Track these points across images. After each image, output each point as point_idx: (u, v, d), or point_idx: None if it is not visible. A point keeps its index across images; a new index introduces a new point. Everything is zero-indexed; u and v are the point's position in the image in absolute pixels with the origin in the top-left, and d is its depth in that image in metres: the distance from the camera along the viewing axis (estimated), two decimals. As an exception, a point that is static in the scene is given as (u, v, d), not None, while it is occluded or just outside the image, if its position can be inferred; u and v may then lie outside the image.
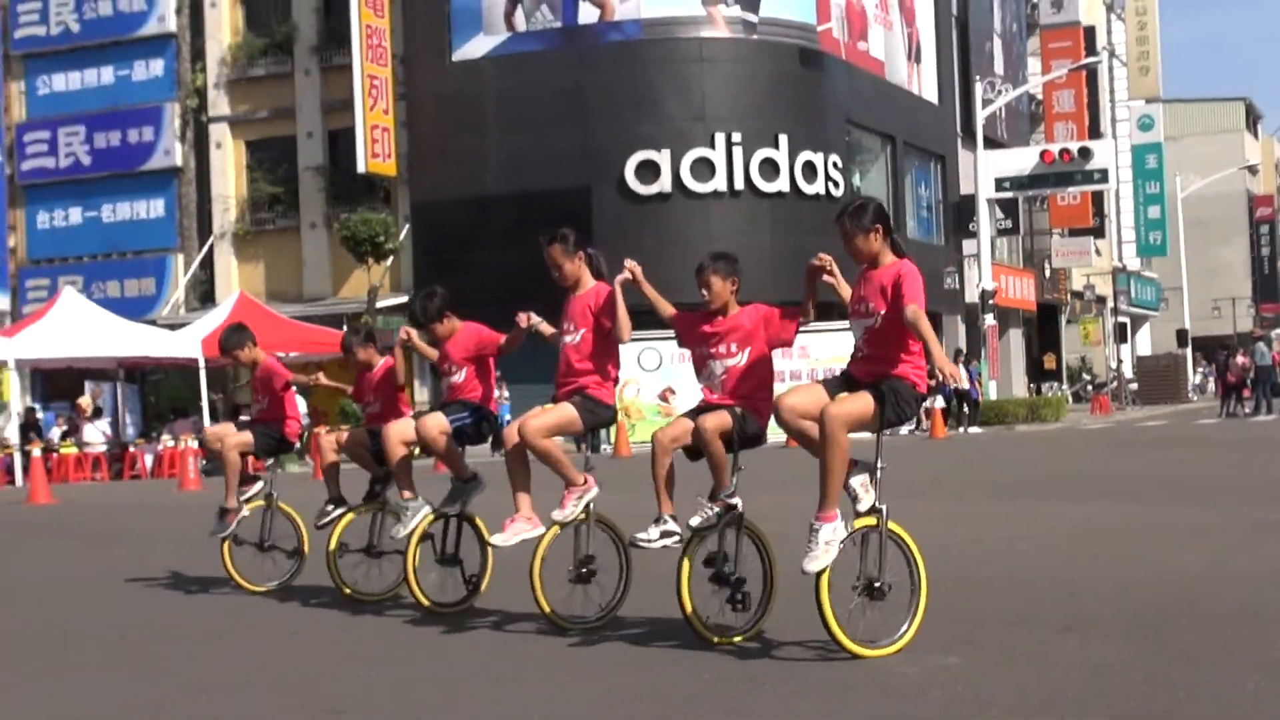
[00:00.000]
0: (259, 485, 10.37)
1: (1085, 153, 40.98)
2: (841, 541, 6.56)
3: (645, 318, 8.44)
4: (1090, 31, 55.59)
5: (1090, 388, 53.89)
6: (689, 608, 7.12)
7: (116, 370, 34.65)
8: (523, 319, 8.30)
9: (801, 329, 7.61)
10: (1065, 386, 52.93)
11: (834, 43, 37.62)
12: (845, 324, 25.17)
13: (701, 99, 34.96)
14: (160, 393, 34.34)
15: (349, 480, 9.73)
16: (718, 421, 7.11)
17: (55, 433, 32.83)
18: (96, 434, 32.01)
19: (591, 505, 7.90)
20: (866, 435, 6.81)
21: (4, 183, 40.11)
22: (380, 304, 34.71)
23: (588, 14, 35.34)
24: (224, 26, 39.60)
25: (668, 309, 7.82)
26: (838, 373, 6.94)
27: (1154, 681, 6.06)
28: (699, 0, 35.13)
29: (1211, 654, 6.61)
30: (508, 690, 6.62)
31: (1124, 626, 7.35)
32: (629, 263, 7.77)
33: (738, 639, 7.16)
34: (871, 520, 6.75)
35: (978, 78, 43.61)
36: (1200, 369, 63.30)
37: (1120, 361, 54.01)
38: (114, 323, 31.77)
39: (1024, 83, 50.51)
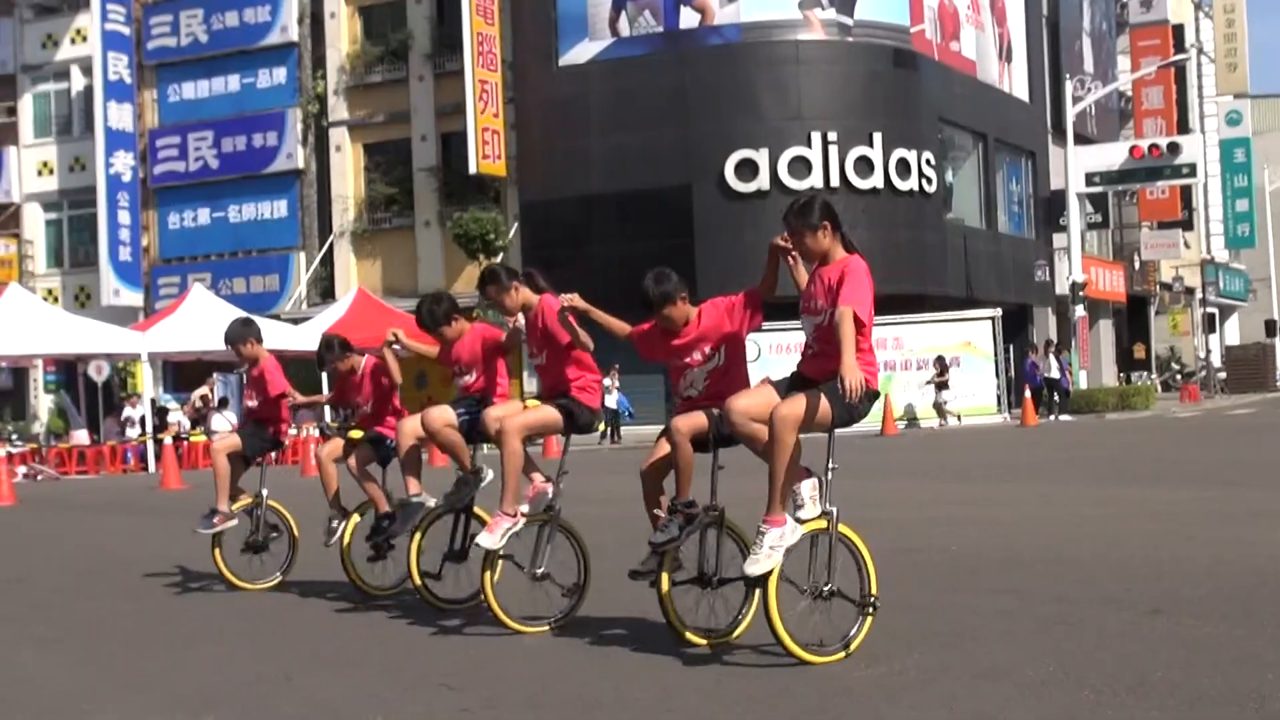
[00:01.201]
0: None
1: (1174, 148, 41.22)
2: (789, 546, 6.30)
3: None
4: (1179, 29, 55.57)
5: (1179, 377, 53.91)
6: (673, 616, 6.96)
7: (243, 363, 35.94)
8: (509, 321, 8.21)
9: (767, 303, 7.22)
10: (1154, 376, 53.08)
11: (927, 43, 38.28)
12: (939, 315, 27.29)
13: (798, 99, 35.74)
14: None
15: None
16: (690, 423, 6.87)
17: (176, 417, 34.12)
18: (224, 423, 33.13)
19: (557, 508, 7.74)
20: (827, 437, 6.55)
21: (138, 186, 41.73)
22: None
23: (689, 19, 36.23)
24: (343, 35, 40.65)
25: (624, 328, 7.42)
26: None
27: (1245, 662, 5.95)
28: (796, 4, 35.92)
29: None
30: (612, 664, 6.65)
31: (1215, 607, 7.22)
32: (565, 297, 7.48)
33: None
34: (822, 524, 6.45)
35: (1068, 76, 43.96)
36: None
37: (1209, 351, 53.93)
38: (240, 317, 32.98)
39: (1114, 80, 50.63)
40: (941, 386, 33.46)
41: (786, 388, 6.49)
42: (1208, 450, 20.90)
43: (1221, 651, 6.22)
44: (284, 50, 40.94)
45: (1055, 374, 36.52)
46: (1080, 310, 39.17)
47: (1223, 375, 53.17)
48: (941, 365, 33.38)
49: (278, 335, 32.98)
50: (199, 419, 33.63)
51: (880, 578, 6.69)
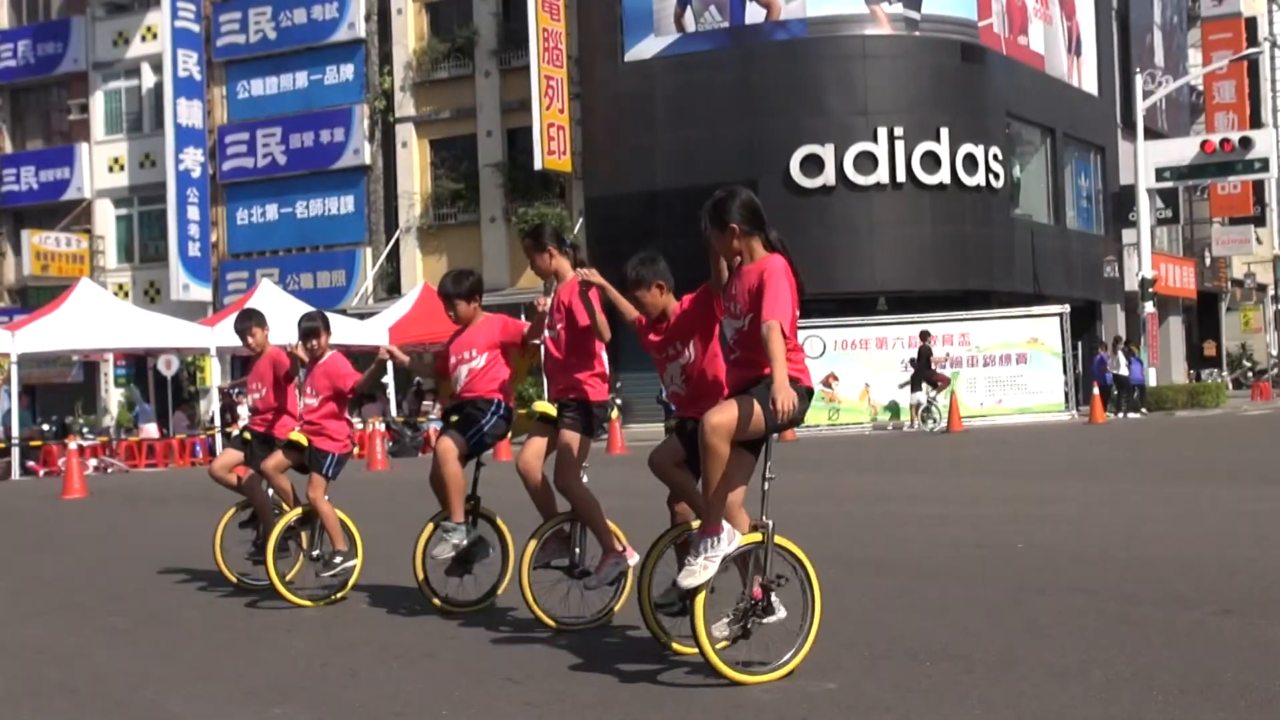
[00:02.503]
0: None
1: (1246, 142, 40.85)
2: (724, 558, 5.99)
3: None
4: (1251, 22, 55.02)
5: (1250, 374, 53.43)
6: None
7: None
8: (539, 302, 7.87)
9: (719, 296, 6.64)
10: (1225, 373, 52.59)
11: (994, 37, 38.06)
12: (1006, 312, 27.18)
13: (864, 94, 35.59)
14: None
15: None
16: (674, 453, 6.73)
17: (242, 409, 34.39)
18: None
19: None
20: None
21: (207, 182, 42.16)
22: None
23: (754, 14, 36.16)
24: (409, 32, 40.79)
25: (633, 312, 7.18)
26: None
27: None
28: (863, -1, 35.87)
29: None
30: (676, 661, 6.64)
31: None
32: (582, 270, 7.34)
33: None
34: (757, 536, 6.09)
35: (1138, 70, 43.59)
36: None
37: (1283, 347, 53.64)
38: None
39: (1184, 74, 50.17)
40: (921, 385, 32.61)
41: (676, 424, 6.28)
42: (1279, 449, 20.70)
43: None
44: (351, 47, 41.17)
45: (1124, 371, 36.21)
46: (1150, 307, 38.88)
47: (1295, 372, 52.59)
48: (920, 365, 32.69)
49: (344, 330, 33.28)
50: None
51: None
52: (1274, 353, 54.16)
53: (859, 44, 35.87)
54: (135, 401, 37.75)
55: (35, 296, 41.98)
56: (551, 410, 7.68)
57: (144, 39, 44.05)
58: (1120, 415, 34.89)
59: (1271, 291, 57.85)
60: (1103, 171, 45.20)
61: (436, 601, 8.39)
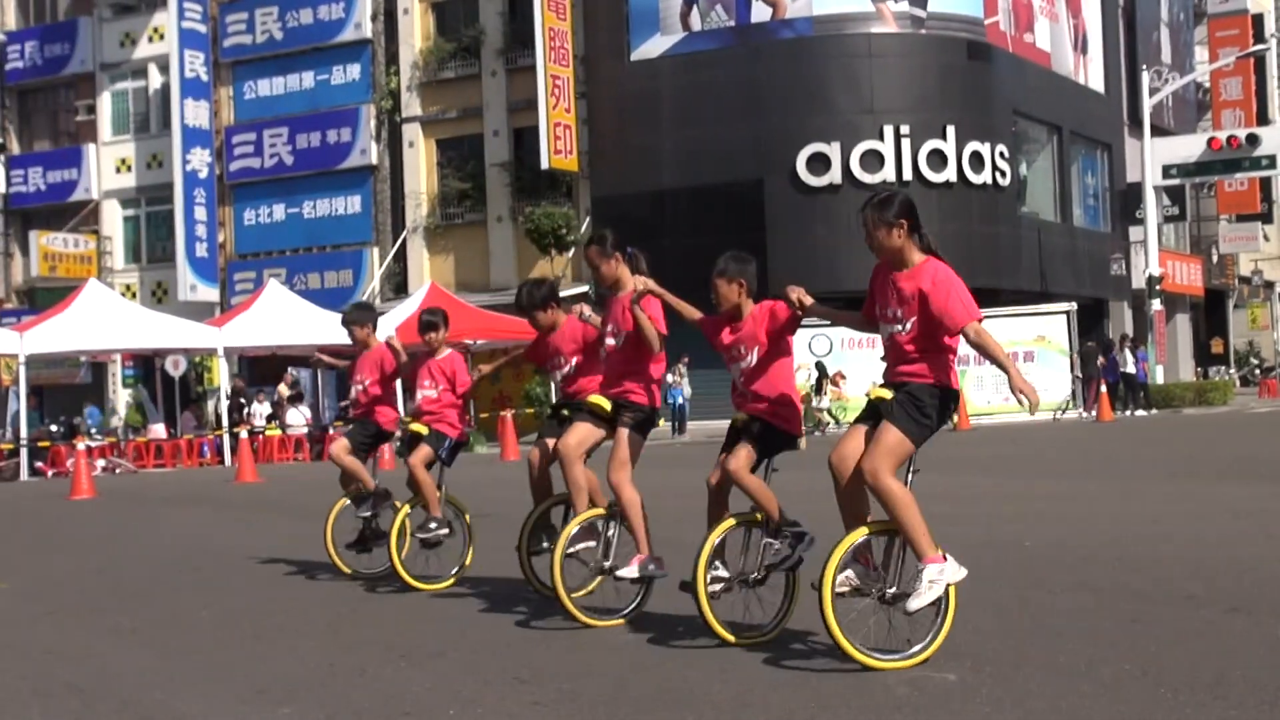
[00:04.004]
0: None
1: (1253, 139, 40.73)
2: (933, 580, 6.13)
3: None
4: (1258, 19, 54.93)
5: (1258, 372, 53.38)
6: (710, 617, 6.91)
7: (316, 357, 36.19)
8: (576, 309, 8.19)
9: (804, 316, 6.94)
10: (1233, 370, 52.55)
11: (1001, 35, 38.06)
12: (1013, 310, 27.10)
13: (870, 92, 35.58)
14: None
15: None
16: (739, 462, 6.91)
17: (259, 409, 34.53)
18: (298, 417, 33.49)
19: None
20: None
21: (214, 182, 42.23)
22: (562, 293, 35.67)
23: (760, 13, 36.14)
24: (416, 32, 40.76)
25: (694, 313, 7.46)
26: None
27: None
28: (868, -4, 35.79)
29: None
30: (691, 660, 6.69)
31: None
32: (639, 280, 7.55)
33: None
34: (864, 531, 6.32)
35: (1144, 67, 43.57)
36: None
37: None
38: (314, 312, 33.04)
39: (1191, 71, 50.07)
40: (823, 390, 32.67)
41: (867, 418, 6.36)
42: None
43: None
44: (358, 47, 41.21)
45: (1131, 369, 36.18)
46: (1157, 304, 38.83)
47: (1304, 369, 52.51)
48: (822, 370, 32.68)
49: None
50: (274, 413, 33.97)
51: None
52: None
53: (865, 42, 35.85)
54: (143, 402, 37.81)
55: (43, 297, 42.03)
56: (606, 404, 7.84)
57: (151, 40, 44.11)
58: (1128, 413, 34.86)
59: (1278, 289, 57.76)
60: (1109, 169, 45.17)
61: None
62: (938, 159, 35.59)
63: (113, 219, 45.32)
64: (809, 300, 6.87)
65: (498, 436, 30.15)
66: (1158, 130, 42.52)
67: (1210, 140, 41.37)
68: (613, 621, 7.68)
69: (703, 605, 6.84)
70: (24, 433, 30.20)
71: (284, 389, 34.45)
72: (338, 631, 8.14)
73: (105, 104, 45.34)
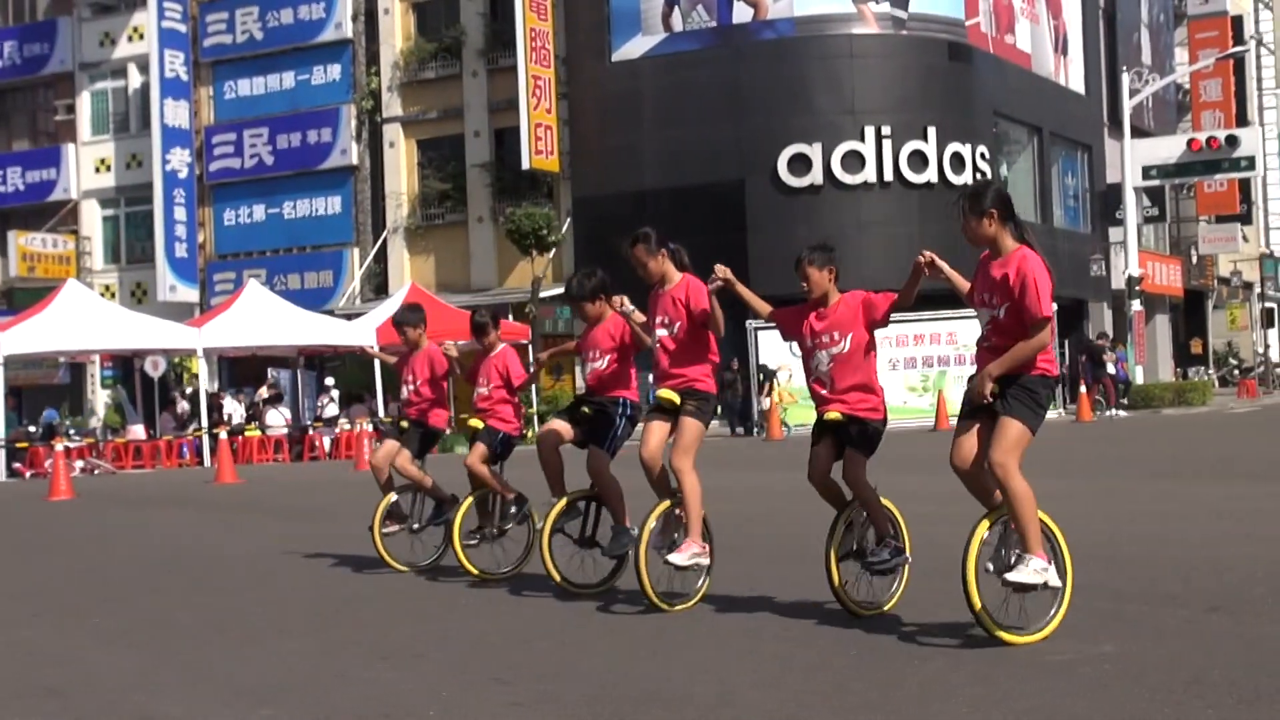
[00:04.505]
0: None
1: (1232, 140, 40.95)
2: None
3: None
4: (1238, 21, 55.15)
5: (1237, 372, 53.52)
6: (836, 581, 7.37)
7: (297, 358, 36.12)
8: (616, 301, 8.42)
9: (896, 311, 7.47)
10: (1212, 371, 52.69)
11: (981, 36, 38.14)
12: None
13: (852, 93, 35.61)
14: (338, 379, 35.71)
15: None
16: (855, 474, 7.28)
17: (234, 408, 34.46)
18: (278, 418, 33.43)
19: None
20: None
21: (194, 182, 42.12)
22: (543, 294, 35.52)
23: (742, 13, 36.16)
24: (397, 32, 40.77)
25: (765, 307, 7.84)
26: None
27: None
28: (850, -2, 35.82)
29: None
30: (675, 660, 6.70)
31: (1275, 606, 7.24)
32: (719, 268, 7.76)
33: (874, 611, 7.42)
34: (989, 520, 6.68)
35: (1124, 68, 43.70)
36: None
37: (1267, 346, 53.58)
38: (294, 313, 33.09)
39: (1171, 72, 50.21)
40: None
41: (974, 414, 6.67)
42: (1267, 446, 20.73)
43: (1279, 650, 6.23)
44: (338, 47, 41.19)
45: (1111, 369, 36.26)
46: (1137, 305, 38.94)
47: (1281, 371, 52.71)
48: (765, 372, 32.64)
49: (332, 331, 33.28)
50: (254, 414, 33.89)
51: (938, 571, 7.12)
52: (1260, 350, 54.27)
53: (846, 43, 35.89)
54: (122, 403, 37.69)
55: (21, 298, 41.84)
56: (675, 398, 8.11)
57: (130, 39, 43.97)
58: (1108, 413, 34.91)
59: (1258, 289, 57.98)
60: (1089, 170, 45.29)
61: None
62: (919, 160, 35.65)
63: (92, 219, 45.16)
64: (731, 277, 7.62)
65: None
66: (1138, 131, 42.69)
67: (1190, 141, 41.58)
68: (682, 606, 7.97)
69: (836, 587, 7.38)
70: (1, 433, 30.04)
71: (264, 391, 34.38)
72: (319, 633, 8.10)
73: (84, 104, 45.18)
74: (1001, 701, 5.56)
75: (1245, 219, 55.75)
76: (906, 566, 7.48)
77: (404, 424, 10.70)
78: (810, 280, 7.48)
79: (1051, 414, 33.15)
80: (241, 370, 39.65)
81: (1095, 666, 6.05)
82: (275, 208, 41.98)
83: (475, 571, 9.69)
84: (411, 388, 10.60)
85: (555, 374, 37.69)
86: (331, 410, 33.90)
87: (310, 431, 33.49)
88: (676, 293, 8.16)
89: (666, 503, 8.07)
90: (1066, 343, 37.75)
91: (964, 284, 7.18)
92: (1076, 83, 44.42)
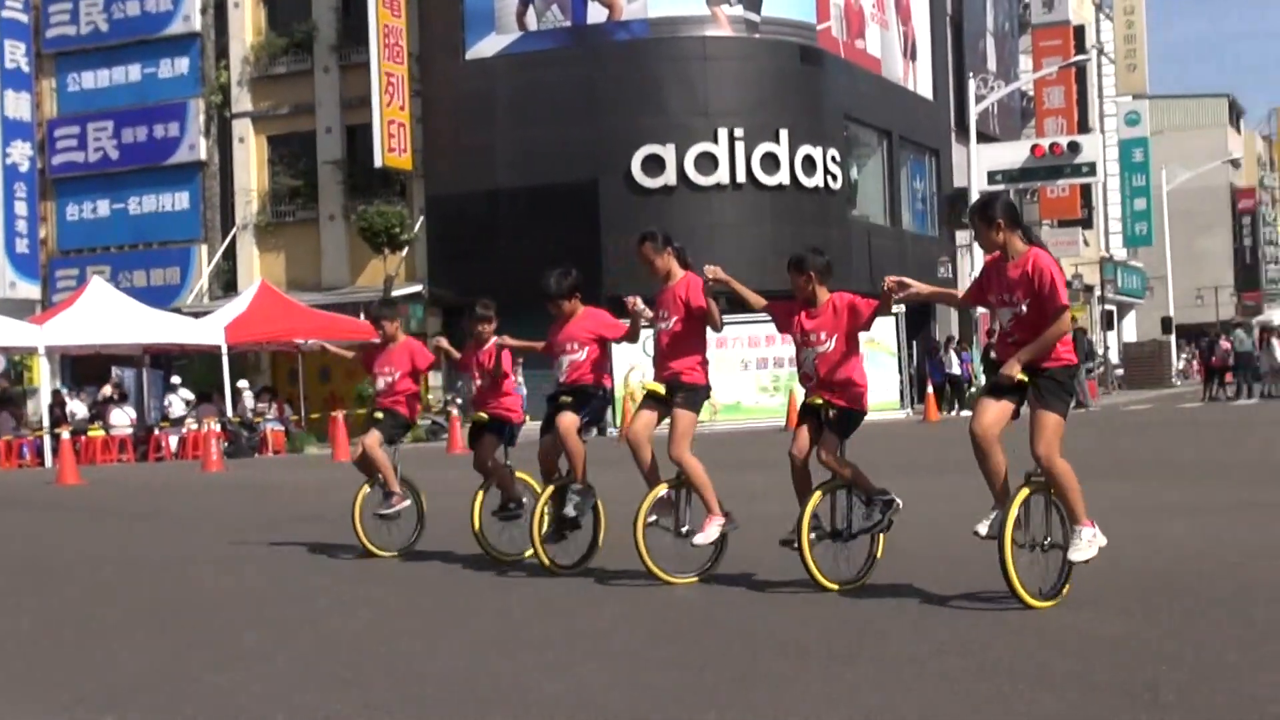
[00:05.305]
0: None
1: (1074, 147, 41.84)
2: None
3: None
4: (1080, 30, 56.45)
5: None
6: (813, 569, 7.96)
7: (142, 357, 35.38)
8: (630, 302, 8.86)
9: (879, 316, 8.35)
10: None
11: (833, 41, 38.52)
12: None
13: (705, 95, 35.78)
14: (186, 378, 35.12)
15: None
16: (830, 452, 8.08)
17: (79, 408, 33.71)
18: (123, 418, 32.76)
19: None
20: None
21: (36, 176, 40.93)
22: (395, 292, 35.23)
23: (596, 14, 36.14)
24: (247, 26, 40.15)
25: (760, 300, 8.58)
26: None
27: (1141, 654, 6.13)
28: (703, 0, 36.09)
29: (1201, 629, 6.70)
30: (524, 660, 6.68)
31: (1114, 601, 7.42)
32: (710, 269, 8.54)
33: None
34: (1025, 492, 7.41)
35: (971, 74, 44.48)
36: (1184, 355, 64.30)
37: (1107, 348, 54.90)
38: (140, 311, 32.45)
39: (1016, 79, 51.27)
40: None
41: (999, 392, 7.35)
42: (1107, 446, 21.04)
43: (1120, 645, 6.39)
44: (186, 40, 40.43)
45: (956, 370, 36.92)
46: (979, 308, 39.45)
47: (1120, 371, 54.10)
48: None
49: (179, 329, 32.66)
50: (97, 413, 33.16)
51: (791, 568, 7.56)
52: (1100, 352, 55.61)
53: (700, 45, 36.05)
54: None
55: None
56: (660, 389, 8.68)
57: (-31, 29, 42.69)
58: (953, 413, 35.49)
59: (1098, 292, 59.38)
60: (937, 174, 45.96)
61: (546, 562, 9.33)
62: (771, 162, 35.91)
63: (-72, 213, 43.76)
64: (724, 276, 8.43)
65: (329, 437, 29.64)
66: (984, 137, 43.45)
67: (1034, 147, 42.45)
68: (688, 579, 8.57)
69: (807, 560, 7.94)
70: None
71: (108, 389, 33.64)
72: (166, 636, 7.93)
73: (-79, 94, 43.77)
74: (853, 697, 5.64)
75: (1086, 224, 57.02)
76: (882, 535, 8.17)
77: (378, 414, 11.02)
78: (795, 284, 8.22)
79: (900, 414, 33.85)
80: (85, 369, 38.64)
81: (943, 661, 6.14)
82: (120, 203, 41.11)
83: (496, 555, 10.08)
84: (390, 380, 10.92)
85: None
86: (179, 410, 33.26)
87: (156, 431, 32.79)
88: (678, 289, 8.73)
89: (662, 486, 8.59)
90: (914, 343, 38.36)
91: (950, 293, 8.19)
92: (925, 88, 45.05)
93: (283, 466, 27.08)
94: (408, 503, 10.79)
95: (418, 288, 36.97)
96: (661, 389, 8.67)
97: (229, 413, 32.29)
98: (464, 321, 11.01)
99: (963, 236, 43.78)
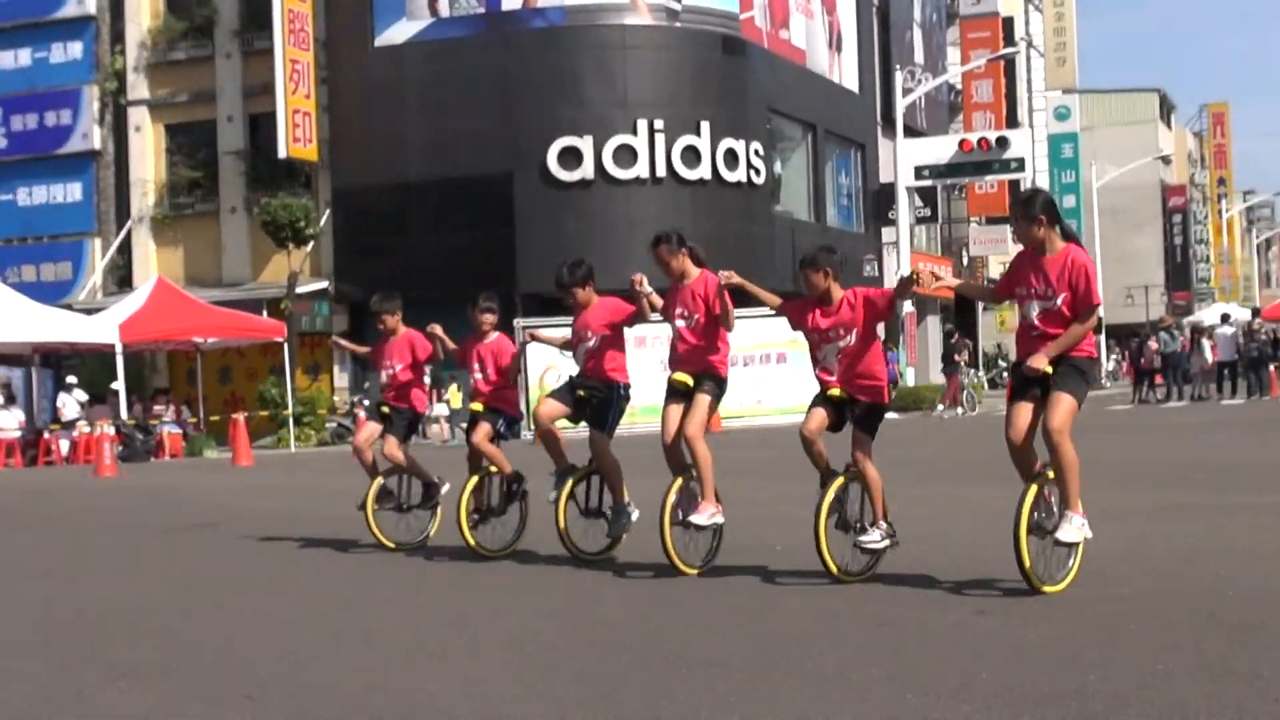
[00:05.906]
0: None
1: (1003, 142, 41.46)
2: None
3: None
4: (1009, 22, 56.43)
5: (1005, 374, 54.41)
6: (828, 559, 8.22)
7: (32, 356, 34.23)
8: (636, 279, 9.21)
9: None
10: (981, 373, 53.39)
11: (756, 31, 37.92)
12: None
13: (624, 86, 35.02)
14: (80, 378, 34.13)
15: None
16: (864, 454, 8.39)
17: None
18: (10, 420, 31.56)
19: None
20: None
21: (-82, 165, 39.74)
22: (300, 289, 34.65)
23: (512, 0, 35.30)
24: (144, 9, 39.11)
25: (775, 300, 8.82)
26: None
27: (1067, 663, 6.07)
28: (623, -13, 35.20)
29: (1125, 634, 6.64)
30: (430, 673, 6.51)
31: (1040, 609, 7.36)
32: (725, 272, 8.77)
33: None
34: (1039, 482, 7.73)
35: (898, 67, 44.03)
36: (1114, 356, 64.26)
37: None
38: (29, 307, 31.56)
39: (943, 72, 50.98)
40: None
41: (1027, 386, 7.64)
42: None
43: (1046, 653, 6.34)
44: (80, 23, 39.38)
45: (884, 370, 36.08)
46: (908, 306, 39.03)
47: (1049, 372, 53.52)
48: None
49: (70, 326, 31.54)
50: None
51: (706, 577, 8.27)
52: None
53: (619, 34, 35.31)
54: None
55: None
56: (689, 381, 8.99)
57: None
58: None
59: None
60: (863, 169, 45.73)
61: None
62: (692, 155, 35.22)
63: None
64: (738, 280, 8.68)
65: (229, 440, 28.45)
66: (910, 131, 43.22)
67: (961, 142, 42.09)
68: (693, 570, 8.85)
69: (822, 548, 8.21)
70: None
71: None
72: (53, 650, 7.58)
73: None
74: (771, 707, 5.58)
75: (1014, 221, 56.65)
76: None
77: (384, 409, 11.28)
78: (808, 282, 8.36)
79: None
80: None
81: (863, 672, 6.09)
82: (8, 194, 40.00)
83: (476, 546, 10.23)
84: (391, 372, 11.21)
85: (313, 373, 36.16)
86: (72, 411, 31.89)
87: (46, 435, 31.65)
88: (696, 287, 9.06)
89: (680, 479, 8.93)
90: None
91: (980, 286, 7.86)
92: (850, 81, 44.62)
93: (180, 470, 26.81)
94: (447, 486, 11.17)
95: (323, 284, 36.06)
96: (690, 381, 8.97)
97: (124, 414, 31.12)
98: (370, 319, 11.32)
99: (889, 233, 43.20)
